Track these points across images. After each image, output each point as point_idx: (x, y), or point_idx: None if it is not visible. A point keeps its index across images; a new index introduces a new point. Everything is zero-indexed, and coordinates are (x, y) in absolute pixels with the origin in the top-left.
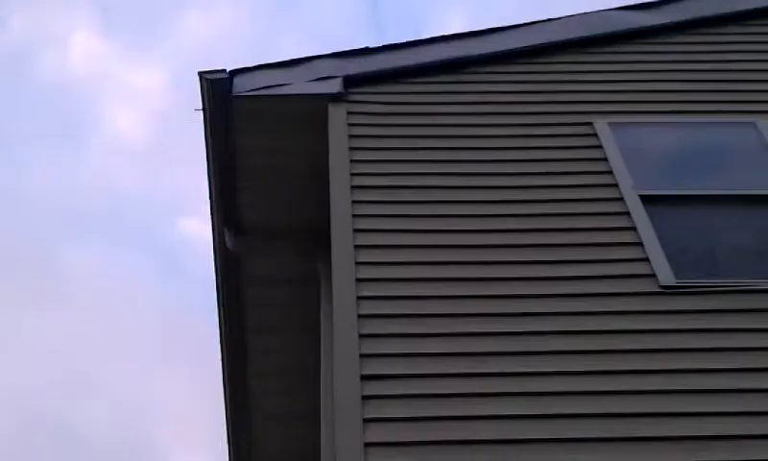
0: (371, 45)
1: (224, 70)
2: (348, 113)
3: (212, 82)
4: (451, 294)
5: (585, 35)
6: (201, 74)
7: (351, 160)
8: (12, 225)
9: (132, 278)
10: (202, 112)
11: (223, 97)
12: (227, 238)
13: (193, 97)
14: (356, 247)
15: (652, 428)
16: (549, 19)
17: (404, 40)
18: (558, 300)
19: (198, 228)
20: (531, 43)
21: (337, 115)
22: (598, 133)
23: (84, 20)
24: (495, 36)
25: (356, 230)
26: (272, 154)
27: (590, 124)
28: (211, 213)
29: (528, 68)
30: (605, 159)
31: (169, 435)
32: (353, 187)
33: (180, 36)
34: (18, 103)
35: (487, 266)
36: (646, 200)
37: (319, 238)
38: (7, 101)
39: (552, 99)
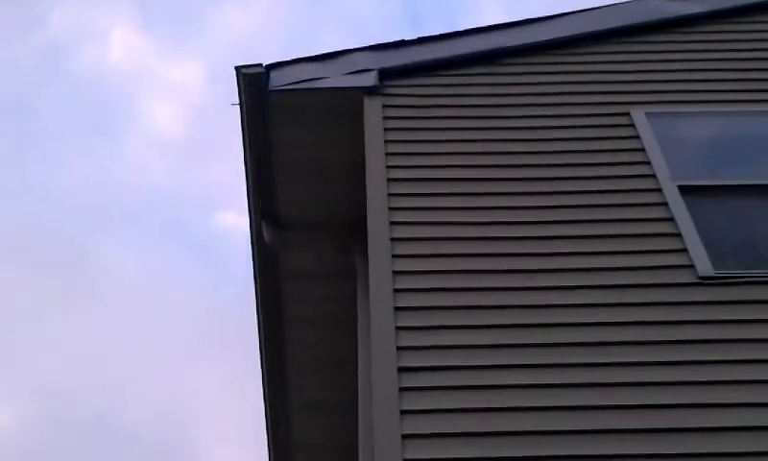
0: (406, 38)
1: (260, 64)
2: (384, 106)
3: (249, 76)
4: (488, 286)
5: (621, 24)
6: (237, 68)
7: (387, 153)
8: (47, 221)
9: (169, 273)
10: (239, 107)
11: (259, 91)
12: (264, 232)
13: (230, 92)
14: (393, 240)
15: (692, 419)
16: (585, 10)
17: (439, 32)
18: (596, 291)
19: (235, 221)
20: (567, 34)
21: (372, 108)
22: (635, 123)
23: (121, 15)
24: (531, 27)
25: (393, 223)
26: (308, 147)
27: (628, 114)
28: (248, 207)
29: (564, 59)
30: (642, 150)
31: (208, 430)
32: (389, 180)
33: (217, 30)
34: (55, 98)
35: (524, 258)
36: (684, 190)
37: (356, 232)
38: (43, 96)
39: (588, 89)
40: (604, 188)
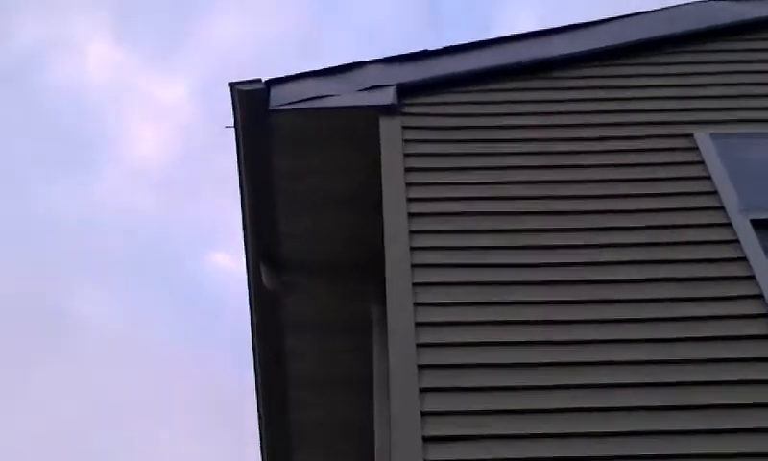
0: (429, 48)
1: (259, 80)
2: (404, 128)
3: (246, 93)
4: (531, 339)
5: (679, 31)
6: (232, 85)
7: (408, 184)
8: (17, 263)
9: (155, 324)
10: (234, 129)
11: (258, 111)
12: (263, 275)
13: (224, 112)
14: (415, 285)
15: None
16: (637, 14)
17: (467, 41)
18: (661, 345)
19: (230, 263)
20: (614, 43)
21: (390, 130)
22: (699, 146)
23: (96, 24)
24: (574, 35)
25: (414, 266)
26: (315, 176)
27: (690, 136)
28: (245, 246)
29: (611, 71)
30: (708, 178)
31: None
32: (410, 215)
33: (209, 40)
34: (24, 122)
35: (571, 307)
36: (758, 225)
37: (370, 274)
38: (10, 120)
39: (643, 107)
40: (664, 223)
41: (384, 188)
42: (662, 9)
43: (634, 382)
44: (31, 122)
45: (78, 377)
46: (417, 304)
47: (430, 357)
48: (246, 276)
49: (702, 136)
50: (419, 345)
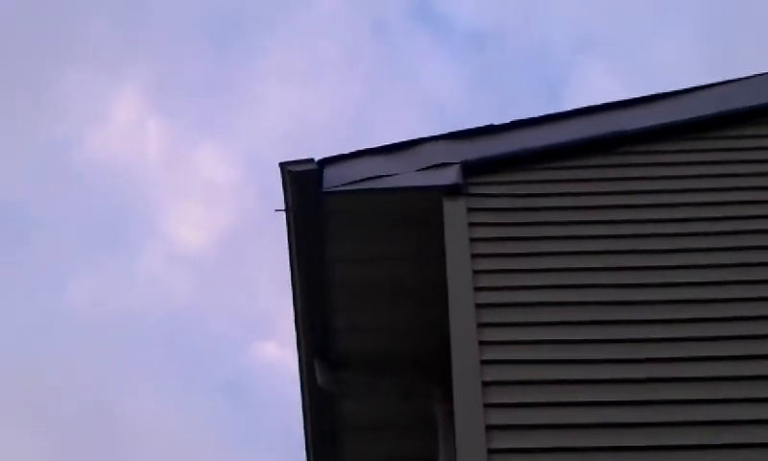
0: (494, 122)
1: (311, 160)
2: (469, 210)
3: (297, 174)
4: (606, 445)
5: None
6: (283, 165)
7: (475, 272)
8: (51, 358)
9: (200, 421)
10: (284, 213)
11: (311, 193)
12: (317, 372)
13: (274, 193)
14: (485, 384)
15: None
16: (731, 81)
17: (537, 115)
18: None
19: (280, 357)
20: (707, 112)
21: (455, 213)
22: None
23: (133, 95)
24: (660, 105)
25: (483, 362)
26: (373, 264)
27: None
28: (297, 340)
29: (703, 145)
30: None
31: None
32: (478, 306)
33: (259, 114)
34: (57, 204)
35: (649, 408)
36: None
37: (434, 372)
38: (40, 201)
39: (737, 185)
40: (745, 315)
41: (449, 277)
42: (762, 74)
43: None
44: (73, 203)
45: None
46: (487, 406)
47: None
48: (299, 374)
49: None
50: (490, 450)
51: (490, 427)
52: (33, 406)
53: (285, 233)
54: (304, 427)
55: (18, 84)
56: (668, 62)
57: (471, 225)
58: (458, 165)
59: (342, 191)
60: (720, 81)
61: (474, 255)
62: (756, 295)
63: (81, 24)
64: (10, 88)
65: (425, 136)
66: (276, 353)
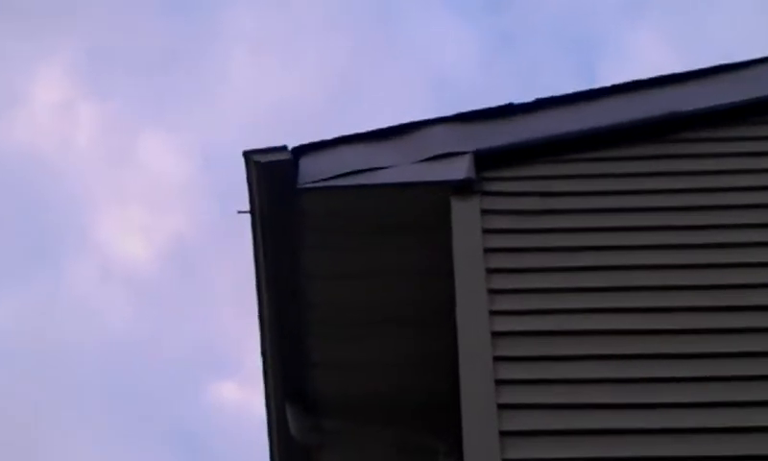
0: (514, 101)
1: (284, 148)
2: (483, 212)
3: (266, 166)
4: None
5: None
6: (248, 155)
7: (490, 290)
8: None
9: None
10: (250, 215)
11: (283, 190)
12: (289, 418)
13: (236, 191)
14: (502, 434)
15: None
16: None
17: (568, 92)
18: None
19: (245, 400)
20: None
21: (465, 214)
22: None
23: (59, 72)
24: (720, 80)
25: (501, 406)
26: (359, 281)
27: None
28: (265, 379)
29: (735, 133)
30: None
31: None
32: (494, 334)
33: (215, 95)
34: None
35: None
36: None
37: (437, 418)
38: None
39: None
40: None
41: (458, 299)
42: None
43: None
44: None
45: None
46: None
47: None
48: (266, 420)
49: None
50: None
51: None
52: None
53: (250, 241)
54: None
55: None
56: (731, 31)
57: (486, 231)
58: (469, 155)
59: (321, 187)
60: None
61: (490, 270)
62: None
63: None
64: None
65: (428, 118)
66: (239, 395)
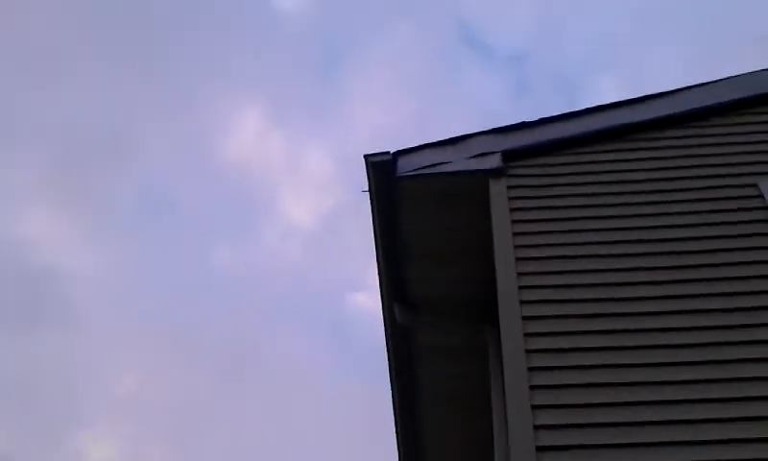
0: (526, 120)
1: (387, 152)
2: (509, 188)
3: (377, 163)
4: (621, 362)
5: (744, 96)
6: (366, 157)
7: (514, 233)
8: (200, 306)
9: (314, 355)
10: (368, 193)
11: (387, 178)
12: (396, 312)
13: (361, 179)
14: (524, 318)
15: None
16: (705, 83)
17: (560, 112)
18: (725, 347)
19: (369, 302)
20: (690, 107)
21: (498, 190)
22: (764, 193)
23: (254, 110)
24: (651, 103)
25: (523, 302)
26: (436, 230)
27: (755, 185)
28: (380, 289)
29: (688, 132)
30: None
31: None
32: (518, 259)
33: (349, 119)
34: (206, 188)
35: (655, 333)
36: None
37: (486, 310)
38: (188, 188)
39: (714, 162)
40: (734, 260)
41: (495, 238)
42: (726, 78)
43: None
44: (210, 189)
45: (262, 399)
46: (526, 335)
47: (540, 379)
48: (382, 314)
49: (766, 185)
50: (529, 368)
51: (529, 351)
52: (194, 350)
53: (369, 210)
54: (387, 354)
55: (180, 96)
56: (660, 70)
57: (511, 198)
58: (499, 153)
59: (410, 175)
60: (696, 84)
61: (514, 221)
62: (722, 261)
63: (225, 52)
64: (176, 98)
65: (473, 132)
66: (366, 301)
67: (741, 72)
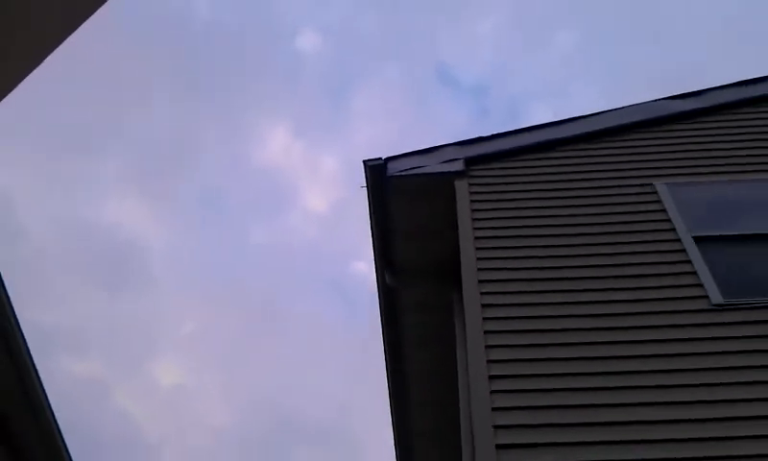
0: (483, 134)
1: (380, 158)
2: (470, 185)
3: (372, 166)
4: (561, 313)
5: (644, 118)
6: (365, 161)
7: (473, 219)
8: (242, 270)
9: (324, 305)
10: (365, 189)
11: (380, 177)
12: (386, 276)
13: (361, 177)
14: (480, 281)
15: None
16: (615, 109)
17: (508, 129)
18: (628, 318)
19: (366, 269)
20: (604, 126)
21: (461, 187)
22: (658, 191)
23: (282, 126)
24: (575, 123)
25: (480, 269)
26: (416, 216)
27: (652, 184)
28: (374, 259)
29: (602, 145)
30: (664, 211)
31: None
32: (476, 238)
33: (352, 133)
34: (239, 179)
35: (583, 294)
36: (698, 240)
37: (453, 276)
38: (234, 183)
39: (620, 168)
40: (630, 240)
41: (459, 222)
42: (633, 105)
43: None
44: (250, 184)
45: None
46: (483, 293)
47: (493, 326)
48: (375, 277)
49: (660, 184)
50: (485, 318)
51: (485, 306)
52: (237, 303)
53: (366, 200)
54: (380, 308)
55: (229, 116)
56: (582, 100)
57: (471, 193)
58: (462, 160)
59: (397, 176)
60: (607, 109)
61: (474, 210)
62: (622, 241)
63: (261, 84)
64: (226, 118)
65: (443, 144)
66: (364, 268)
67: (637, 102)
